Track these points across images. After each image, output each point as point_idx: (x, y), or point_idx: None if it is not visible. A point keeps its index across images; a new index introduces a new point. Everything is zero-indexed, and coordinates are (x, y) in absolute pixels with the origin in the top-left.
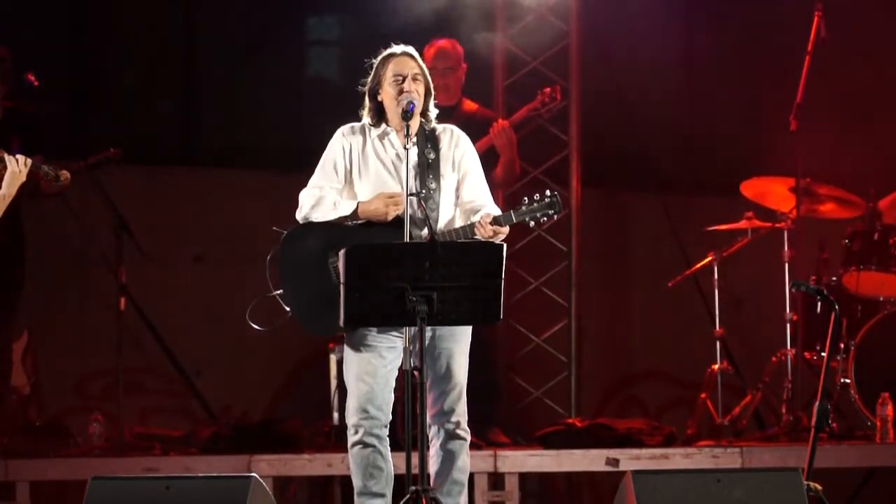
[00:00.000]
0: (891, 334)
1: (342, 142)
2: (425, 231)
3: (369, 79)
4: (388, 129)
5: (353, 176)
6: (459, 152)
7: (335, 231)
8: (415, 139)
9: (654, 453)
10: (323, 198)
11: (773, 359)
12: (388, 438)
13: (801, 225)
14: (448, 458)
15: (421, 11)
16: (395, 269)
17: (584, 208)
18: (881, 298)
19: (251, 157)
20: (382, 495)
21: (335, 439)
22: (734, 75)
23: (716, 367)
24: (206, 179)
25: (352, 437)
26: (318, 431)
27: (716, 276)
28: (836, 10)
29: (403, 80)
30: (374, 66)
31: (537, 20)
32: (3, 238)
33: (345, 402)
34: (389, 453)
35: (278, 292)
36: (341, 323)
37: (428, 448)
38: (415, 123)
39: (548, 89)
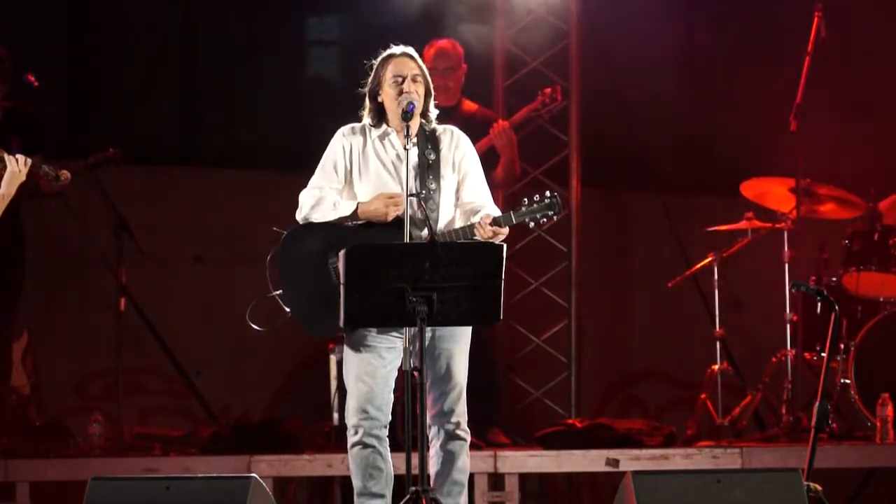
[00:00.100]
0: (891, 335)
1: (342, 142)
2: (425, 231)
3: (369, 79)
4: (389, 129)
5: (353, 176)
6: (460, 153)
7: (335, 231)
8: (415, 140)
9: (654, 454)
10: (323, 198)
11: (773, 359)
12: (387, 439)
13: (801, 225)
14: (448, 459)
15: (421, 12)
16: (395, 270)
17: (584, 208)
18: (881, 299)
19: (251, 157)
20: (382, 496)
21: (335, 440)
22: (734, 75)
23: (716, 367)
24: (206, 179)
25: (351, 438)
26: (318, 432)
27: (716, 276)
28: (836, 10)
29: (403, 81)
30: (374, 66)
31: (537, 20)
32: (3, 238)
33: (345, 402)
34: (389, 454)
35: (278, 293)
36: (341, 323)
37: (428, 448)
38: (415, 124)
39: (548, 90)
